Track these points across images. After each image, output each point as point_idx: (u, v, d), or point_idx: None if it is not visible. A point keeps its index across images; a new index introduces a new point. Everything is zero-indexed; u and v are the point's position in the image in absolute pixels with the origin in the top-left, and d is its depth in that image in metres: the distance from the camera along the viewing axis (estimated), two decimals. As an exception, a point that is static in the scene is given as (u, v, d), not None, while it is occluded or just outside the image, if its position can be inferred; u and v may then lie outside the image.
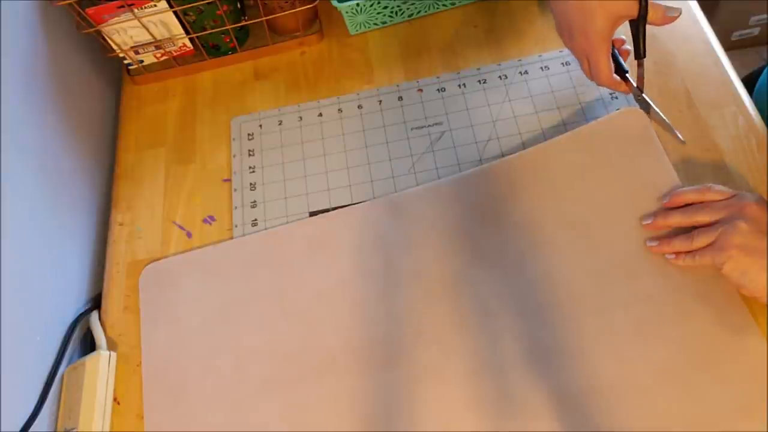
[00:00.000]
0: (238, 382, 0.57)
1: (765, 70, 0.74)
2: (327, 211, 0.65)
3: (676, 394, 0.50)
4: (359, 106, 0.71)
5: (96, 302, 0.65)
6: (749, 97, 0.63)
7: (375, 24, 0.75)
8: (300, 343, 0.57)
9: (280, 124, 0.72)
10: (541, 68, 0.69)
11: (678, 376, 0.51)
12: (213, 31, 0.72)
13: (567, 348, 0.53)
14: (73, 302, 0.64)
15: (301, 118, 0.72)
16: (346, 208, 0.64)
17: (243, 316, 0.60)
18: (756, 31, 1.46)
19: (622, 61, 0.60)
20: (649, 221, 0.56)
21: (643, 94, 0.61)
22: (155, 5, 0.67)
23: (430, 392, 0.53)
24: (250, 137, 0.71)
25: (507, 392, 0.52)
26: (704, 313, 0.52)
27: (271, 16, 0.71)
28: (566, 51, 0.70)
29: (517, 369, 0.53)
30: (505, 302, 0.56)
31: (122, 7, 0.66)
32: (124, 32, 0.70)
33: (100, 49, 0.73)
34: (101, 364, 0.59)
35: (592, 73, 0.58)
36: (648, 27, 0.56)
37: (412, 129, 0.68)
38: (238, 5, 0.73)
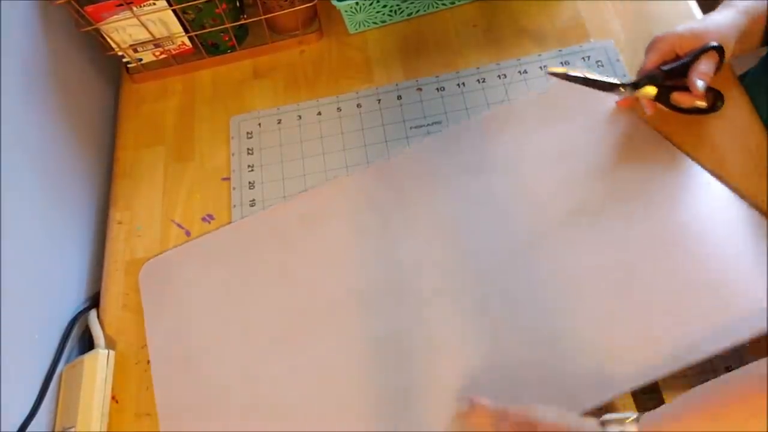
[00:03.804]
0: (247, 344, 0.58)
1: (750, 71, 0.74)
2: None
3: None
4: (358, 105, 0.71)
5: (94, 300, 0.65)
6: (748, 96, 0.63)
7: (374, 23, 0.75)
8: (305, 301, 0.59)
9: (279, 122, 0.72)
10: (540, 67, 0.69)
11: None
12: (212, 29, 0.72)
13: (548, 242, 0.58)
14: (72, 300, 0.64)
15: (300, 116, 0.72)
16: (336, 179, 0.66)
17: (246, 292, 0.61)
18: (755, 31, 1.46)
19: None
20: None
21: (576, 74, 0.60)
22: (154, 3, 0.67)
23: (440, 311, 0.56)
24: (249, 136, 0.71)
25: (507, 293, 0.56)
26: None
27: (270, 15, 0.71)
28: (565, 50, 0.70)
29: (515, 268, 0.57)
30: (497, 230, 0.60)
31: (121, 5, 0.66)
32: (123, 30, 0.70)
33: (99, 47, 0.73)
34: (99, 363, 0.59)
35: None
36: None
37: (411, 128, 0.68)
38: (237, 4, 0.73)
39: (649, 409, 0.44)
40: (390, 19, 0.75)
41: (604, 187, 0.60)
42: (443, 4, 0.75)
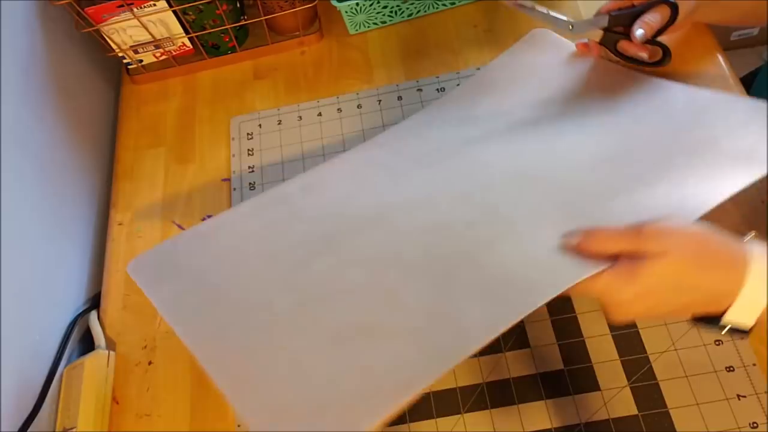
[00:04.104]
0: (274, 268, 0.53)
1: (761, 71, 0.74)
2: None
3: None
4: (359, 106, 0.71)
5: (95, 301, 0.65)
6: (749, 96, 0.63)
7: (374, 23, 0.75)
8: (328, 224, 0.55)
9: (279, 123, 0.72)
10: (541, 68, 0.69)
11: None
12: (212, 30, 0.72)
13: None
14: (73, 301, 0.64)
15: (300, 117, 0.72)
16: (330, 160, 0.62)
17: (255, 269, 0.55)
18: (756, 31, 1.46)
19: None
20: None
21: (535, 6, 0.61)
22: (155, 4, 0.67)
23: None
24: (250, 137, 0.71)
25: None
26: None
27: (270, 16, 0.71)
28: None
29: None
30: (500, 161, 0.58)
31: (122, 6, 0.66)
32: (124, 31, 0.70)
33: (99, 48, 0.73)
34: (100, 364, 0.59)
35: None
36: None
37: (411, 128, 0.68)
38: (238, 4, 0.73)
39: None
40: (390, 20, 0.75)
41: (582, 111, 0.60)
42: (444, 5, 0.75)
